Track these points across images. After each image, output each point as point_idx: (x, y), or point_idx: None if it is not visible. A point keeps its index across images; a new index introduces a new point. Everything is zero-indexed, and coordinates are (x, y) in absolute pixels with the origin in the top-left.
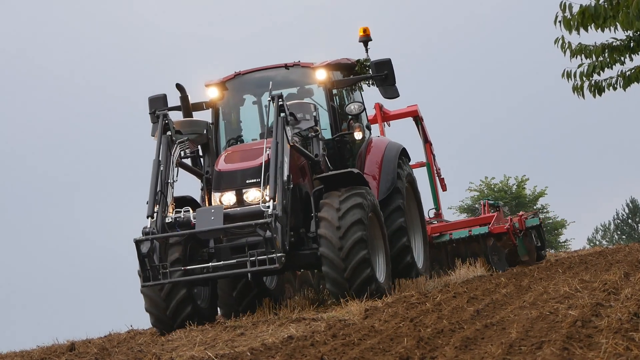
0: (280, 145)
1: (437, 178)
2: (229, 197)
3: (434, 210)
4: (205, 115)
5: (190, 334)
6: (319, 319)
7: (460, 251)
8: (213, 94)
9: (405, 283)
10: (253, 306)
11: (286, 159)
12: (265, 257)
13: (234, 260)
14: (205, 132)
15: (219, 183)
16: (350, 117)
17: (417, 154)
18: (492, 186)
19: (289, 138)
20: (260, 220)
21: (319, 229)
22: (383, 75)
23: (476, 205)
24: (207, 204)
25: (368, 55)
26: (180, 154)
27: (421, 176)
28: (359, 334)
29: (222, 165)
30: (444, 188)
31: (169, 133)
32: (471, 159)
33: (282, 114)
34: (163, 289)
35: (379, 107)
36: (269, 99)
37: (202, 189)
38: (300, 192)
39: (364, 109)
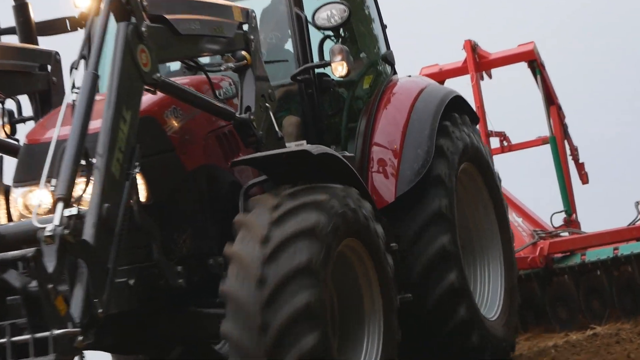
0: (115, 84)
1: (568, 162)
2: (41, 197)
3: (563, 215)
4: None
5: None
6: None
7: (600, 283)
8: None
9: None
10: None
11: (128, 116)
12: (29, 336)
13: None
14: (47, 70)
15: (22, 168)
16: (324, 35)
17: (536, 125)
18: None
19: (143, 68)
20: (12, 254)
21: (224, 280)
22: None
23: None
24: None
25: None
26: None
27: (544, 158)
28: None
29: (37, 132)
30: (584, 179)
31: None
32: None
33: (133, 20)
34: None
35: (471, 46)
36: None
37: None
38: (214, 183)
39: (350, 16)
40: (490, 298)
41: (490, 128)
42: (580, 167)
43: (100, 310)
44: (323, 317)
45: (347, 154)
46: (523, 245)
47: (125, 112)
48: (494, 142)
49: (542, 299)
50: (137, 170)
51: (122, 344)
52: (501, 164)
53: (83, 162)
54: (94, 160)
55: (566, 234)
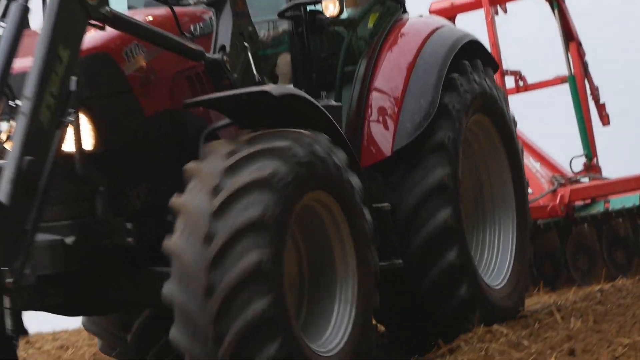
0: (52, 17)
1: (588, 103)
2: None
3: (583, 160)
4: None
5: None
6: None
7: (623, 234)
8: None
9: None
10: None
11: (65, 55)
12: None
13: None
14: None
15: None
16: None
17: (554, 63)
18: None
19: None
20: None
21: (171, 236)
22: None
23: None
24: None
25: None
26: None
27: (561, 99)
28: None
29: None
30: (605, 121)
31: None
32: None
33: None
34: None
35: None
36: None
37: None
38: (182, 130)
39: None
40: (498, 264)
41: (505, 67)
42: (601, 108)
43: (9, 280)
44: (276, 278)
45: (333, 102)
46: (542, 192)
47: (61, 50)
48: (509, 82)
49: (563, 249)
50: (71, 118)
51: (68, 305)
52: (516, 104)
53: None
54: (20, 104)
55: (586, 179)
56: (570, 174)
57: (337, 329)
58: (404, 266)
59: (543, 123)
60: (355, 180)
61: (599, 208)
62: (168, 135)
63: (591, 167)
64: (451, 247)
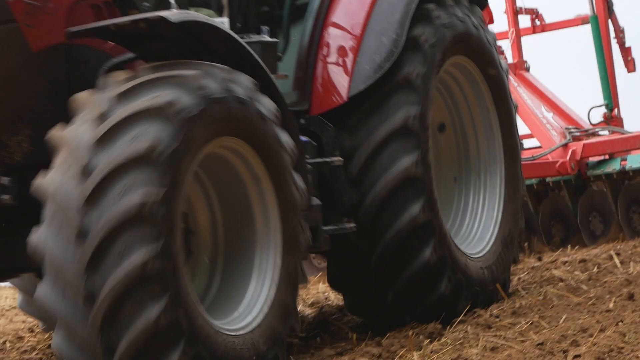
0: None
1: (612, 46)
2: None
3: (603, 110)
4: None
5: None
6: None
7: None
8: None
9: None
10: None
11: None
12: None
13: None
14: None
15: None
16: None
17: (575, 2)
18: None
19: None
20: None
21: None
22: None
23: None
24: None
25: None
26: None
27: (583, 40)
28: None
29: None
30: (630, 67)
31: None
32: None
33: None
34: None
35: None
36: None
37: None
38: (80, 69)
39: None
40: (480, 230)
41: (519, 4)
42: (626, 52)
43: None
44: (164, 225)
45: (267, 38)
46: (552, 147)
47: None
48: (524, 21)
49: (574, 211)
50: None
51: None
52: (531, 46)
53: None
54: None
55: (605, 132)
56: (587, 126)
57: (250, 306)
58: (356, 229)
59: (560, 68)
60: (285, 139)
61: (614, 166)
62: (61, 74)
63: (612, 118)
64: (414, 202)
